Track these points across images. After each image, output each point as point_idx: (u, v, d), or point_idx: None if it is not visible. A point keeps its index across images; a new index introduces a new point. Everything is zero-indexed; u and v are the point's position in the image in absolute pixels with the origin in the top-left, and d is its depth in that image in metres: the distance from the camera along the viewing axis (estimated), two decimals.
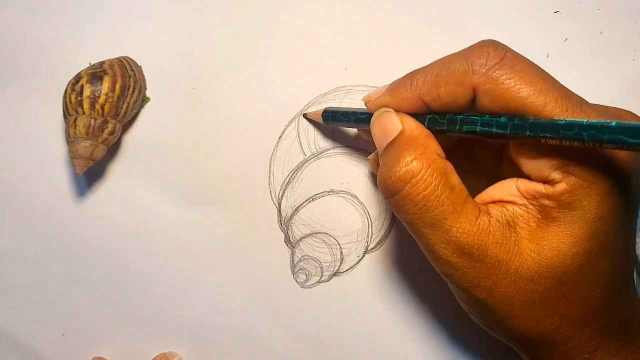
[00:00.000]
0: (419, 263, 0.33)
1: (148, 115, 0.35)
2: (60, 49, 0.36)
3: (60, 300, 0.36)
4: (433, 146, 0.24)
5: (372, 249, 0.34)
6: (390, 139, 0.25)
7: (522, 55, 0.23)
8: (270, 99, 0.34)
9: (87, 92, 0.32)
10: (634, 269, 0.26)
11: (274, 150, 0.34)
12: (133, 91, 0.33)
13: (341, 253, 0.34)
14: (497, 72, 0.22)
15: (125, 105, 0.33)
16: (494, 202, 0.24)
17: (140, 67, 0.35)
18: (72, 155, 0.32)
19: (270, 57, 0.35)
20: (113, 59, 0.34)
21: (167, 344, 0.35)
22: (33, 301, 0.36)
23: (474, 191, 0.25)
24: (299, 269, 0.35)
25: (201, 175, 0.35)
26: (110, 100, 0.32)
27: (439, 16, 0.34)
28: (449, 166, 0.24)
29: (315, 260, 0.34)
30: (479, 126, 0.23)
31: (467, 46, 0.24)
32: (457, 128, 0.24)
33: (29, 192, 0.36)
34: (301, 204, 0.34)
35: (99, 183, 0.36)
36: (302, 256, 0.35)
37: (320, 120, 0.32)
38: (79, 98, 0.32)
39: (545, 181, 0.23)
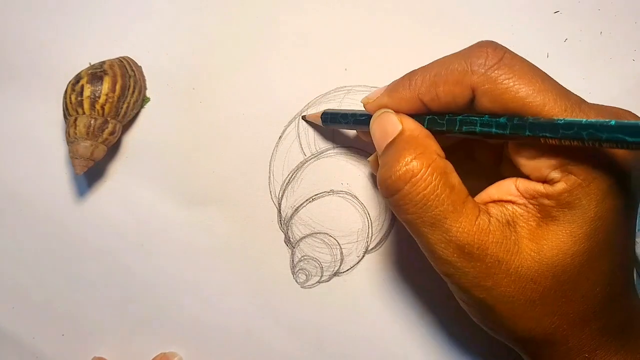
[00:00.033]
0: (419, 263, 0.33)
1: (148, 115, 0.35)
2: (60, 49, 0.36)
3: (60, 300, 0.36)
4: (433, 146, 0.24)
5: (372, 249, 0.34)
6: (390, 140, 0.25)
7: (520, 56, 0.23)
8: (270, 99, 0.34)
9: (87, 92, 0.32)
10: (634, 268, 0.26)
11: (274, 150, 0.34)
12: (133, 91, 0.33)
13: (341, 253, 0.34)
14: (495, 72, 0.22)
15: (125, 106, 0.33)
16: (493, 201, 0.24)
17: (140, 67, 0.35)
18: (72, 156, 0.32)
19: (270, 57, 0.35)
20: (113, 59, 0.34)
21: (167, 344, 0.35)
22: (33, 301, 0.36)
23: (474, 191, 0.25)
24: (299, 269, 0.35)
25: (201, 175, 0.35)
26: (110, 100, 0.32)
27: (439, 16, 0.34)
28: (449, 166, 0.24)
29: (315, 261, 0.34)
30: (479, 126, 0.23)
31: (466, 47, 0.24)
32: (456, 128, 0.24)
33: (29, 192, 0.36)
34: (301, 204, 0.34)
35: (99, 183, 0.36)
36: (302, 256, 0.35)
37: (319, 122, 0.32)
38: (79, 98, 0.32)
39: (545, 181, 0.23)
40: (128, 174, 0.35)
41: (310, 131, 0.34)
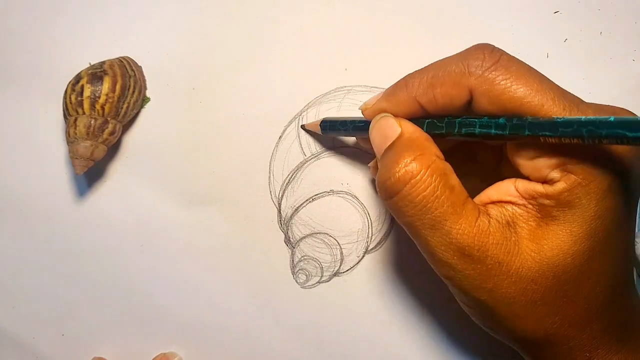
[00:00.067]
0: (419, 263, 0.33)
1: (148, 115, 0.35)
2: (60, 49, 0.36)
3: (60, 300, 0.36)
4: (432, 148, 0.24)
5: (372, 249, 0.34)
6: (389, 143, 0.25)
7: (517, 58, 0.23)
8: (270, 99, 0.34)
9: (87, 92, 0.32)
10: (633, 268, 0.26)
11: (274, 150, 0.34)
12: (133, 91, 0.33)
13: (341, 253, 0.34)
14: (493, 73, 0.22)
15: (125, 106, 0.33)
16: (492, 202, 0.24)
17: (140, 67, 0.35)
18: (72, 156, 0.32)
19: (270, 57, 0.35)
20: (113, 59, 0.34)
21: (167, 344, 0.35)
22: (33, 301, 0.36)
23: (473, 193, 0.25)
24: (299, 269, 0.35)
25: (201, 175, 0.35)
26: (110, 100, 0.32)
27: (439, 16, 0.34)
28: (448, 167, 0.24)
29: (315, 261, 0.34)
30: (478, 128, 0.23)
31: (465, 47, 0.24)
32: (455, 131, 0.24)
33: (29, 192, 0.36)
34: (301, 204, 0.34)
35: (99, 183, 0.36)
36: (302, 256, 0.35)
37: (318, 130, 0.32)
38: (79, 98, 0.32)
39: (545, 181, 0.23)
40: (128, 174, 0.35)
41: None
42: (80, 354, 0.36)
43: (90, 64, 0.34)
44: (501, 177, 0.25)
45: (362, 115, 0.28)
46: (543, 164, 0.22)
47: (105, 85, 0.32)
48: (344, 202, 0.34)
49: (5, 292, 0.36)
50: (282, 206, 0.35)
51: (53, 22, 0.36)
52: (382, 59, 0.34)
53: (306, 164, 0.34)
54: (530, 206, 0.23)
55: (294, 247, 0.35)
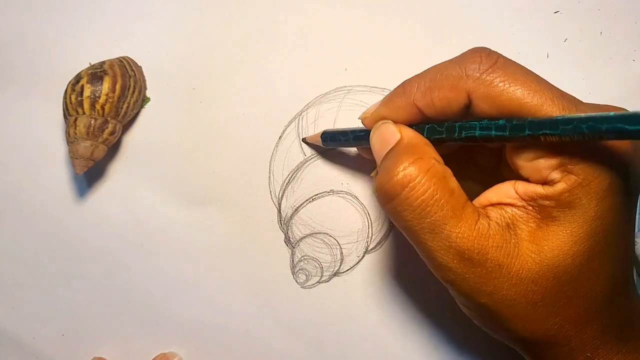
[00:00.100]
0: (419, 263, 0.33)
1: (148, 115, 0.35)
2: (60, 49, 0.36)
3: (60, 300, 0.36)
4: (431, 152, 0.24)
5: (372, 249, 0.34)
6: (389, 148, 0.25)
7: (513, 60, 0.23)
8: (270, 99, 0.34)
9: (87, 92, 0.32)
10: (633, 268, 0.26)
11: (274, 150, 0.34)
12: (133, 91, 0.33)
13: (341, 253, 0.34)
14: (490, 75, 0.22)
15: (125, 106, 0.33)
16: (492, 205, 0.24)
17: (140, 67, 0.35)
18: (72, 156, 0.32)
19: (270, 57, 0.35)
20: (113, 59, 0.34)
21: (167, 344, 0.35)
22: (33, 301, 0.36)
23: (473, 196, 0.25)
24: (299, 269, 0.35)
25: (201, 175, 0.35)
26: (110, 100, 0.32)
27: (439, 16, 0.34)
28: (448, 171, 0.24)
29: (315, 261, 0.34)
30: (478, 130, 0.23)
31: (466, 47, 0.24)
32: (456, 135, 0.24)
33: (29, 192, 0.36)
34: (301, 204, 0.34)
35: (99, 183, 0.36)
36: (302, 256, 0.35)
37: (319, 142, 0.32)
38: (79, 98, 0.32)
39: (545, 182, 0.23)
40: (128, 174, 0.35)
41: (311, 131, 0.34)
42: (80, 354, 0.36)
43: (90, 64, 0.34)
44: (500, 180, 0.25)
45: (362, 125, 0.28)
46: (543, 165, 0.22)
47: (105, 85, 0.32)
48: (344, 202, 0.34)
49: (5, 292, 0.36)
50: (282, 206, 0.35)
51: (53, 22, 0.36)
52: (382, 59, 0.34)
53: (306, 164, 0.34)
54: (530, 208, 0.23)
55: (294, 247, 0.35)
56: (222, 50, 0.35)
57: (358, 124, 0.29)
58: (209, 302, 0.35)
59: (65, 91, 0.33)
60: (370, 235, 0.34)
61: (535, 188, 0.23)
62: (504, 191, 0.24)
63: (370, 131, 0.27)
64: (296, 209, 0.35)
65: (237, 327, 0.35)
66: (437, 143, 0.25)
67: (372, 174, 0.31)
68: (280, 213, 0.35)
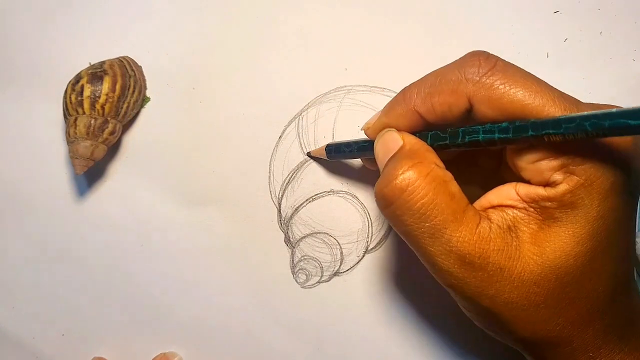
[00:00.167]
0: (419, 263, 0.33)
1: (148, 115, 0.35)
2: (60, 49, 0.36)
3: (60, 300, 0.36)
4: (431, 157, 0.24)
5: (372, 249, 0.34)
6: (391, 155, 0.25)
7: (512, 63, 0.23)
8: (270, 99, 0.34)
9: (87, 92, 0.32)
10: (634, 268, 0.26)
11: (274, 150, 0.34)
12: (133, 91, 0.33)
13: (341, 253, 0.34)
14: (490, 78, 0.22)
15: (125, 105, 0.33)
16: (493, 207, 0.24)
17: (140, 67, 0.35)
18: (73, 155, 0.32)
19: (270, 57, 0.35)
20: (113, 59, 0.34)
21: (167, 344, 0.35)
22: (33, 301, 0.36)
23: (474, 198, 0.25)
24: (299, 269, 0.35)
25: (201, 175, 0.35)
26: (110, 100, 0.32)
27: (439, 16, 0.34)
28: (448, 175, 0.24)
29: (315, 260, 0.34)
30: (481, 134, 0.23)
31: (466, 47, 0.24)
32: (459, 140, 0.24)
33: (29, 192, 0.36)
34: (301, 204, 0.34)
35: (99, 183, 0.36)
36: (302, 256, 0.35)
37: (324, 156, 0.32)
38: (79, 98, 0.32)
39: (547, 184, 0.23)
40: (128, 174, 0.35)
41: (311, 131, 0.34)
42: (80, 354, 0.36)
43: (90, 64, 0.34)
44: (501, 182, 0.25)
45: (365, 136, 0.28)
46: (545, 167, 0.22)
47: (105, 85, 0.32)
48: (344, 202, 0.34)
49: (5, 292, 0.36)
50: (282, 206, 0.35)
51: (53, 22, 0.36)
52: (382, 59, 0.34)
53: (306, 164, 0.34)
54: (531, 209, 0.23)
55: (294, 247, 0.35)
56: (222, 50, 0.35)
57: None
58: (209, 302, 0.35)
59: (65, 91, 0.33)
60: (370, 235, 0.34)
61: (537, 190, 0.23)
62: (505, 193, 0.24)
63: (373, 142, 0.27)
64: (296, 209, 0.35)
65: (237, 327, 0.35)
66: (441, 149, 0.25)
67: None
68: (280, 213, 0.35)
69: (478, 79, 0.23)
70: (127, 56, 0.35)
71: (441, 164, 0.24)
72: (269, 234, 0.35)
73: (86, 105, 0.32)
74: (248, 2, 0.35)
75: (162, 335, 0.36)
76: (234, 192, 0.35)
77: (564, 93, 0.22)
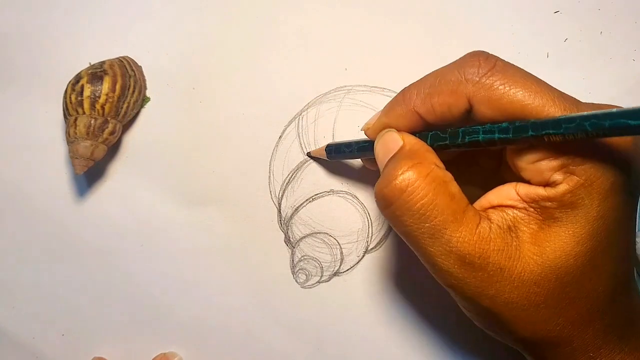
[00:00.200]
0: (420, 263, 0.33)
1: (148, 115, 0.35)
2: (60, 49, 0.36)
3: (60, 300, 0.36)
4: (431, 157, 0.24)
5: (372, 249, 0.34)
6: (391, 155, 0.25)
7: (511, 63, 0.23)
8: (270, 99, 0.34)
9: (87, 92, 0.32)
10: (634, 268, 0.26)
11: (274, 150, 0.34)
12: (133, 91, 0.33)
13: (341, 253, 0.34)
14: (490, 79, 0.22)
15: (125, 105, 0.33)
16: (493, 207, 0.24)
17: (140, 67, 0.35)
18: (73, 155, 0.32)
19: (270, 57, 0.35)
20: (113, 59, 0.34)
21: (167, 344, 0.35)
22: (33, 301, 0.36)
23: (474, 198, 0.25)
24: (299, 269, 0.35)
25: (201, 175, 0.35)
26: (110, 100, 0.32)
27: (439, 16, 0.34)
28: (448, 175, 0.24)
29: (315, 260, 0.34)
30: (481, 134, 0.23)
31: (466, 47, 0.24)
32: (459, 140, 0.24)
33: (29, 192, 0.36)
34: (301, 204, 0.34)
35: (99, 183, 0.36)
36: (302, 256, 0.35)
37: (324, 156, 0.32)
38: (79, 98, 0.32)
39: (547, 184, 0.23)
40: (128, 174, 0.35)
41: (311, 131, 0.34)
42: (80, 354, 0.36)
43: (90, 64, 0.34)
44: (501, 182, 0.25)
45: (365, 136, 0.28)
46: (545, 167, 0.22)
47: (105, 85, 0.32)
48: (344, 202, 0.34)
49: (5, 292, 0.36)
50: (282, 206, 0.35)
51: (53, 22, 0.36)
52: (382, 59, 0.34)
53: (306, 164, 0.34)
54: (531, 209, 0.23)
55: (294, 247, 0.35)
56: (222, 50, 0.35)
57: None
58: (209, 302, 0.35)
59: (65, 91, 0.33)
60: (370, 235, 0.34)
61: (537, 190, 0.23)
62: (505, 193, 0.24)
63: (373, 142, 0.27)
64: (296, 209, 0.35)
65: (237, 327, 0.35)
66: (441, 150, 0.25)
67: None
68: (280, 213, 0.35)
69: (478, 79, 0.23)
70: (127, 56, 0.35)
71: (441, 165, 0.24)
72: (269, 234, 0.35)
73: (86, 105, 0.32)
74: (248, 2, 0.35)
75: (162, 335, 0.36)
76: (234, 192, 0.35)
77: (563, 93, 0.22)
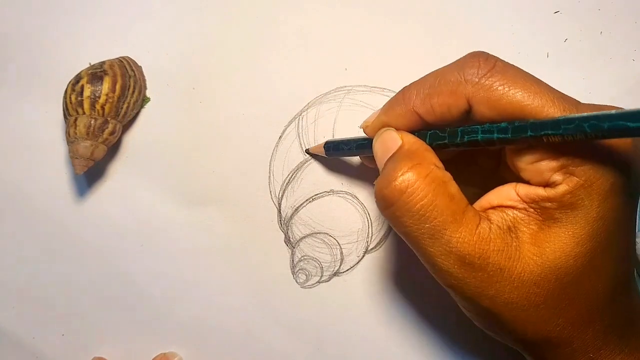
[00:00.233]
0: (420, 263, 0.33)
1: (148, 115, 0.35)
2: (60, 49, 0.36)
3: (60, 300, 0.36)
4: (431, 158, 0.24)
5: (372, 249, 0.34)
6: (390, 155, 0.25)
7: (511, 64, 0.23)
8: (270, 99, 0.34)
9: (87, 92, 0.32)
10: (634, 268, 0.26)
11: (274, 150, 0.34)
12: (133, 91, 0.33)
13: (341, 253, 0.34)
14: (489, 79, 0.22)
15: (125, 106, 0.33)
16: (493, 207, 0.24)
17: (140, 67, 0.35)
18: (73, 155, 0.32)
19: (270, 57, 0.35)
20: (113, 59, 0.34)
21: (167, 344, 0.35)
22: (33, 301, 0.36)
23: (473, 199, 0.25)
24: (299, 269, 0.35)
25: (201, 175, 0.35)
26: (110, 100, 0.32)
27: (439, 16, 0.34)
28: (448, 175, 0.24)
29: (315, 260, 0.34)
30: (480, 134, 0.23)
31: (466, 47, 0.24)
32: (458, 139, 0.24)
33: (29, 192, 0.36)
34: (301, 204, 0.34)
35: (99, 183, 0.36)
36: (302, 256, 0.35)
37: (322, 153, 0.32)
38: (79, 98, 0.32)
39: (546, 184, 0.23)
40: (128, 174, 0.35)
41: (311, 131, 0.34)
42: (80, 354, 0.36)
43: (90, 64, 0.34)
44: (501, 182, 0.25)
45: (363, 134, 0.28)
46: (545, 168, 0.22)
47: (105, 85, 0.32)
48: (344, 202, 0.34)
49: (5, 292, 0.36)
50: (282, 206, 0.35)
51: (53, 22, 0.36)
52: (382, 59, 0.34)
53: (306, 164, 0.34)
54: (531, 210, 0.23)
55: (294, 247, 0.35)
56: (222, 50, 0.35)
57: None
58: (209, 302, 0.35)
59: (65, 91, 0.33)
60: (370, 235, 0.34)
61: (536, 190, 0.23)
62: (505, 193, 0.24)
63: (372, 140, 0.27)
64: (296, 209, 0.35)
65: (237, 327, 0.35)
66: (439, 149, 0.25)
67: (375, 182, 0.31)
68: (280, 213, 0.35)
69: (477, 80, 0.23)
70: (127, 56, 0.35)
71: (440, 165, 0.24)
72: (269, 234, 0.35)
73: (86, 105, 0.32)
74: (248, 2, 0.35)
75: (162, 335, 0.36)
76: (234, 192, 0.35)
77: (563, 94, 0.22)
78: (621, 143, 0.22)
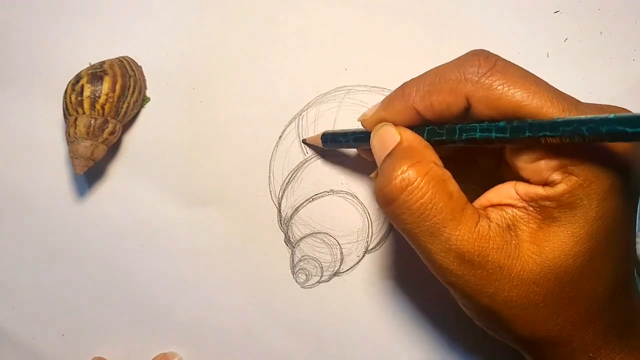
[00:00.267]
0: (419, 263, 0.33)
1: (148, 115, 0.35)
2: (60, 49, 0.36)
3: (60, 300, 0.36)
4: (430, 155, 0.24)
5: (372, 249, 0.34)
6: (389, 151, 0.25)
7: (512, 63, 0.23)
8: (270, 99, 0.34)
9: (87, 92, 0.32)
10: (634, 268, 0.26)
11: (274, 150, 0.34)
12: (133, 91, 0.33)
13: (341, 253, 0.34)
14: (489, 78, 0.22)
15: (125, 105, 0.33)
16: (492, 206, 0.24)
17: (140, 67, 0.35)
18: (73, 155, 0.32)
19: (270, 57, 0.35)
20: (113, 59, 0.34)
21: (167, 344, 0.36)
22: (33, 301, 0.36)
23: (473, 197, 0.25)
24: (299, 269, 0.35)
25: (201, 175, 0.35)
26: (110, 100, 0.32)
27: (439, 16, 0.34)
28: (447, 174, 0.24)
29: (315, 260, 0.34)
30: (478, 132, 0.23)
31: (466, 47, 0.24)
32: (456, 137, 0.24)
33: (29, 192, 0.36)
34: (301, 204, 0.34)
35: (99, 183, 0.36)
36: (302, 256, 0.35)
37: (319, 143, 0.32)
38: (79, 98, 0.32)
39: (545, 183, 0.23)
40: (128, 174, 0.35)
41: (311, 131, 0.34)
42: (80, 354, 0.36)
43: (90, 64, 0.34)
44: (500, 180, 0.25)
45: (361, 127, 0.28)
46: (544, 167, 0.22)
47: (105, 85, 0.32)
48: (344, 202, 0.34)
49: (5, 292, 0.36)
50: (282, 206, 0.35)
51: (53, 22, 0.36)
52: (382, 59, 0.34)
53: (306, 164, 0.34)
54: (530, 208, 0.23)
55: (294, 247, 0.35)
56: (222, 50, 0.35)
57: (358, 125, 0.29)
58: (209, 302, 0.35)
59: (65, 91, 0.33)
60: (370, 235, 0.34)
61: (536, 189, 0.23)
62: (505, 192, 0.24)
63: (369, 133, 0.27)
64: (296, 209, 0.35)
65: (237, 327, 0.35)
66: (437, 145, 0.25)
67: (371, 176, 0.31)
68: (280, 213, 0.35)
69: (477, 79, 0.23)
70: (127, 56, 0.35)
71: (439, 162, 0.24)
72: (269, 234, 0.35)
73: (86, 105, 0.32)
74: (248, 2, 0.35)
75: (162, 335, 0.36)
76: (234, 192, 0.35)
77: (563, 93, 0.22)
78: (620, 145, 0.22)
